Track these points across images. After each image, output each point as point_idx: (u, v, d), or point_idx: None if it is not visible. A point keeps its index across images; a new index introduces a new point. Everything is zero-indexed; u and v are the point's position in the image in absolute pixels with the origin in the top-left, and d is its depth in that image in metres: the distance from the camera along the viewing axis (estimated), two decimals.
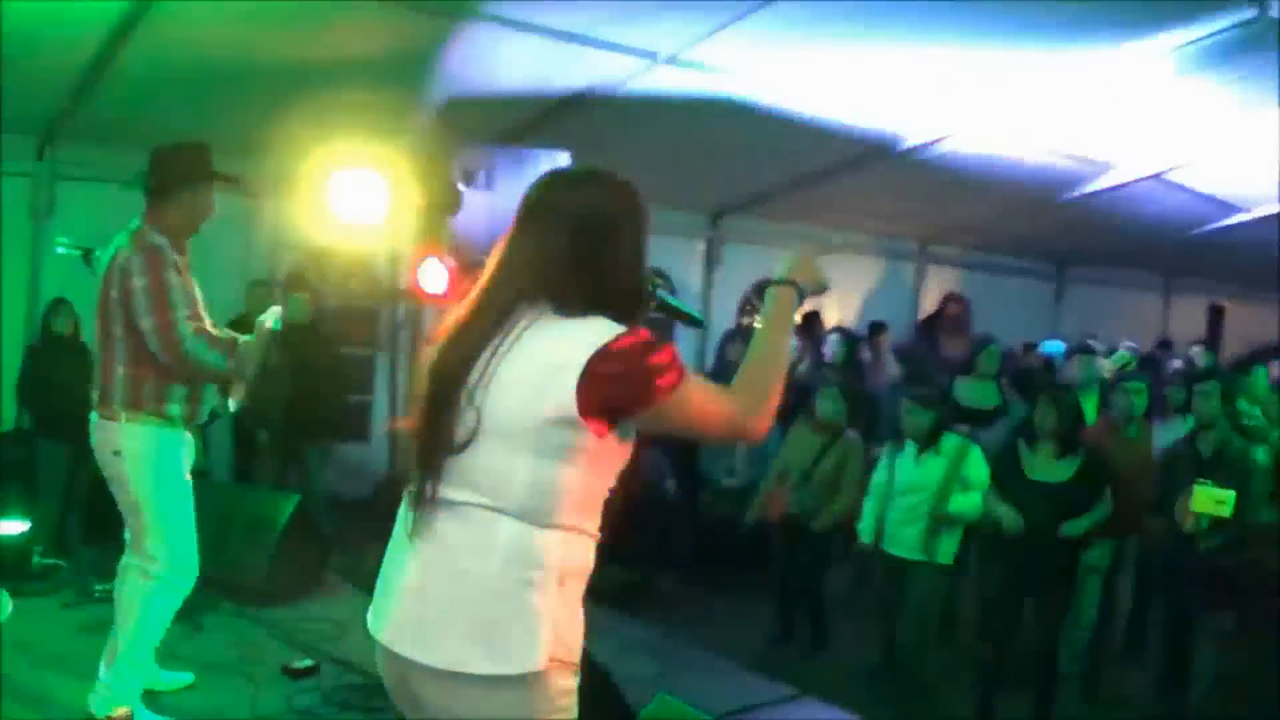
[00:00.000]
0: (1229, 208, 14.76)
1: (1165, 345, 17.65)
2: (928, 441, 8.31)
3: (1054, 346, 14.61)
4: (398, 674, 3.32)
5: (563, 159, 8.48)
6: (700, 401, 3.24)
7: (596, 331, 3.14)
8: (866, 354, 12.83)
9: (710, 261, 13.66)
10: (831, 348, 11.74)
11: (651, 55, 8.53)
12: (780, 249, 14.23)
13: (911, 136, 11.02)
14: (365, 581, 8.95)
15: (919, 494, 8.26)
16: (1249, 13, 8.27)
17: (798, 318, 3.34)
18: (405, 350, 11.24)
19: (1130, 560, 9.04)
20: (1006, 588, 7.93)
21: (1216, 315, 21.88)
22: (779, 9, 7.82)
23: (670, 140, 10.03)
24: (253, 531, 7.92)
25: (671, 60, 8.58)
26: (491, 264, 3.33)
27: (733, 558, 10.21)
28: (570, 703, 3.26)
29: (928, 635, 8.39)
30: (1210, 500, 5.47)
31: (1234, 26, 8.46)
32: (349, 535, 9.09)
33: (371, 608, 3.40)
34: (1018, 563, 7.80)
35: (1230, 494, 5.51)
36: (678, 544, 9.96)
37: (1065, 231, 15.60)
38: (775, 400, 3.32)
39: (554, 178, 3.43)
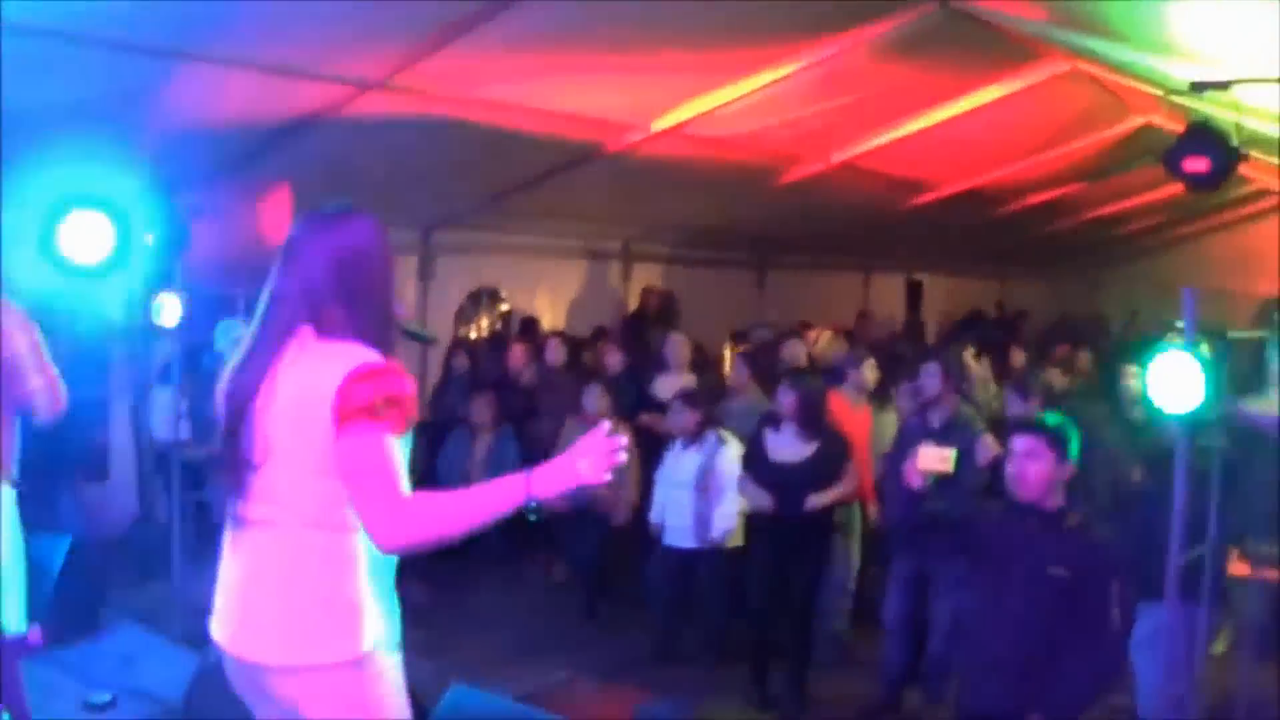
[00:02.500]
0: (920, 188, 15.80)
1: (864, 315, 19.22)
2: (691, 437, 9.19)
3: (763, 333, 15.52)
4: (244, 676, 3.82)
5: (283, 189, 9.02)
6: (382, 464, 3.57)
7: (351, 357, 3.64)
8: (588, 356, 13.41)
9: (423, 275, 13.99)
10: (554, 351, 12.39)
11: (360, 81, 8.90)
12: (490, 257, 14.93)
13: (612, 141, 11.54)
14: (141, 615, 8.92)
15: (684, 488, 9.14)
16: (931, 4, 8.91)
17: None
18: (140, 389, 11.36)
19: (858, 525, 9.81)
20: (765, 565, 8.69)
21: (914, 290, 23.27)
22: (478, 35, 8.23)
23: (382, 161, 10.41)
24: (31, 575, 7.93)
25: (380, 85, 8.95)
26: (264, 297, 3.84)
27: (483, 553, 10.64)
28: (396, 675, 3.84)
29: (711, 619, 9.31)
30: (935, 458, 6.12)
31: (919, 19, 9.12)
32: (109, 573, 9.27)
33: (212, 619, 3.86)
34: (774, 541, 8.60)
35: (953, 452, 6.18)
36: None
37: (765, 221, 16.36)
38: (424, 542, 3.59)
39: (313, 217, 3.91)
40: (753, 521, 9.02)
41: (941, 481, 6.21)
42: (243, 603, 3.78)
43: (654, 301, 16.64)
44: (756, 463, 8.78)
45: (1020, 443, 5.76)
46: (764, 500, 8.63)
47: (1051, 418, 5.98)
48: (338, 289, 3.75)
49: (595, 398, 10.24)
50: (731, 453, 9.20)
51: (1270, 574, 7.77)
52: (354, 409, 3.56)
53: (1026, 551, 5.62)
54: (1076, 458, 5.79)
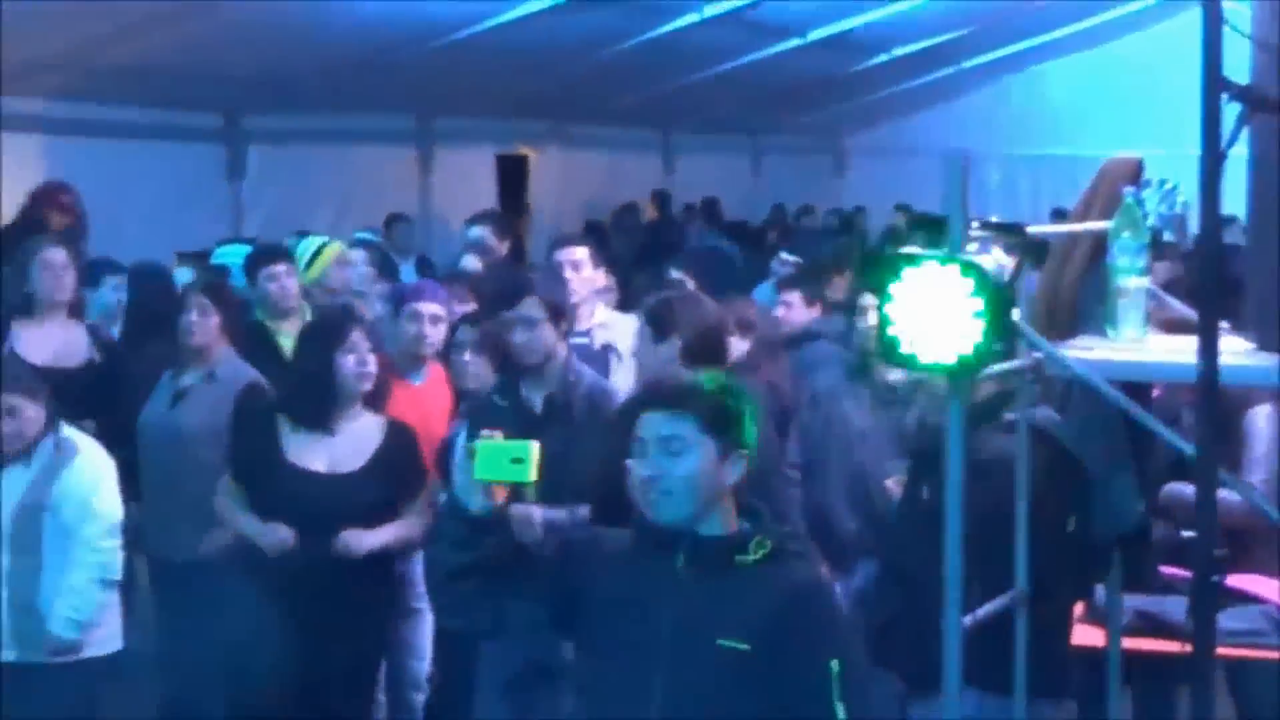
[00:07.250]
0: None
1: (397, 220, 14.82)
2: None
3: None
4: None
5: None
6: None
7: None
8: None
9: None
10: None
11: None
12: None
13: None
14: None
15: None
16: None
17: None
18: None
19: None
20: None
21: (513, 170, 17.84)
22: None
23: None
24: None
25: None
26: None
27: None
28: None
29: None
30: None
31: None
32: None
33: None
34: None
35: (529, 446, 4.10)
36: None
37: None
38: None
39: None
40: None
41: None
42: None
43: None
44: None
45: (651, 424, 3.81)
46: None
47: (709, 380, 4.08)
48: None
49: None
50: None
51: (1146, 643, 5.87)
52: None
53: (677, 609, 3.75)
54: (754, 446, 3.91)
